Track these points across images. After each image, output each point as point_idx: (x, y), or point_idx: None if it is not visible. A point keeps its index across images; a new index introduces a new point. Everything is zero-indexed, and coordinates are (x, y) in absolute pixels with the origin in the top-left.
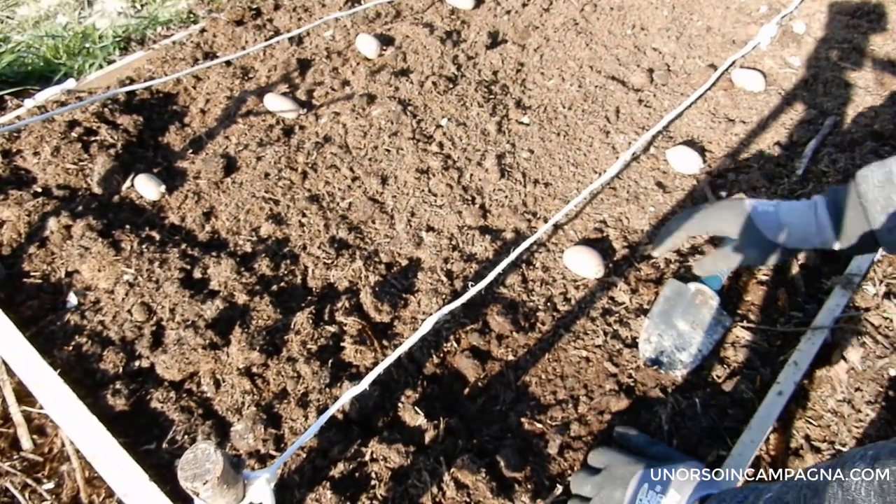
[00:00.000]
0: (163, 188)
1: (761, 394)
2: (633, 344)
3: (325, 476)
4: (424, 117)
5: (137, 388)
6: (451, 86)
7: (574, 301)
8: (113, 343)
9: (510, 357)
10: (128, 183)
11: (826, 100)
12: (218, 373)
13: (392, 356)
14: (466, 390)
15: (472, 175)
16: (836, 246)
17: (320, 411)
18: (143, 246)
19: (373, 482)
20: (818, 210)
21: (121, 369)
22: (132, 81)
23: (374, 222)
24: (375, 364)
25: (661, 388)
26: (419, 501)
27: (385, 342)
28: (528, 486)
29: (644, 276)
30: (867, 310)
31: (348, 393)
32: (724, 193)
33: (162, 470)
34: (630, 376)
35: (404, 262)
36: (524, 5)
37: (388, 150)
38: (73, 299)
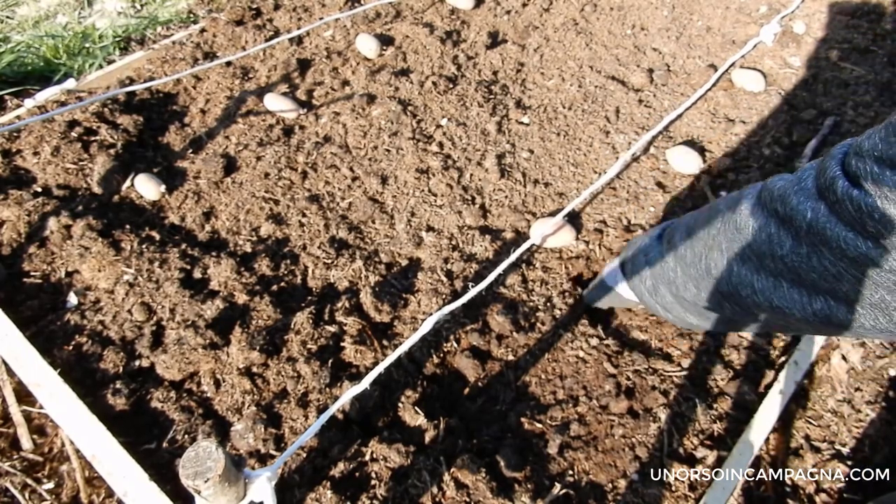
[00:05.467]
0: (163, 188)
1: (761, 394)
2: (633, 344)
3: (326, 476)
4: (424, 117)
5: (137, 388)
6: (451, 86)
7: (574, 301)
8: (113, 343)
9: (510, 357)
10: (128, 183)
11: (826, 100)
12: (218, 373)
13: (392, 356)
14: (466, 390)
15: (472, 175)
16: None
17: (320, 411)
18: (143, 246)
19: (373, 482)
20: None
21: (121, 369)
22: (132, 81)
23: (374, 222)
24: (375, 364)
25: (660, 389)
26: (419, 501)
27: (385, 342)
28: (528, 486)
29: None
30: None
31: (348, 393)
32: (723, 193)
33: (162, 469)
34: (628, 378)
35: (404, 262)
36: (524, 5)
37: (388, 150)
38: (73, 299)
